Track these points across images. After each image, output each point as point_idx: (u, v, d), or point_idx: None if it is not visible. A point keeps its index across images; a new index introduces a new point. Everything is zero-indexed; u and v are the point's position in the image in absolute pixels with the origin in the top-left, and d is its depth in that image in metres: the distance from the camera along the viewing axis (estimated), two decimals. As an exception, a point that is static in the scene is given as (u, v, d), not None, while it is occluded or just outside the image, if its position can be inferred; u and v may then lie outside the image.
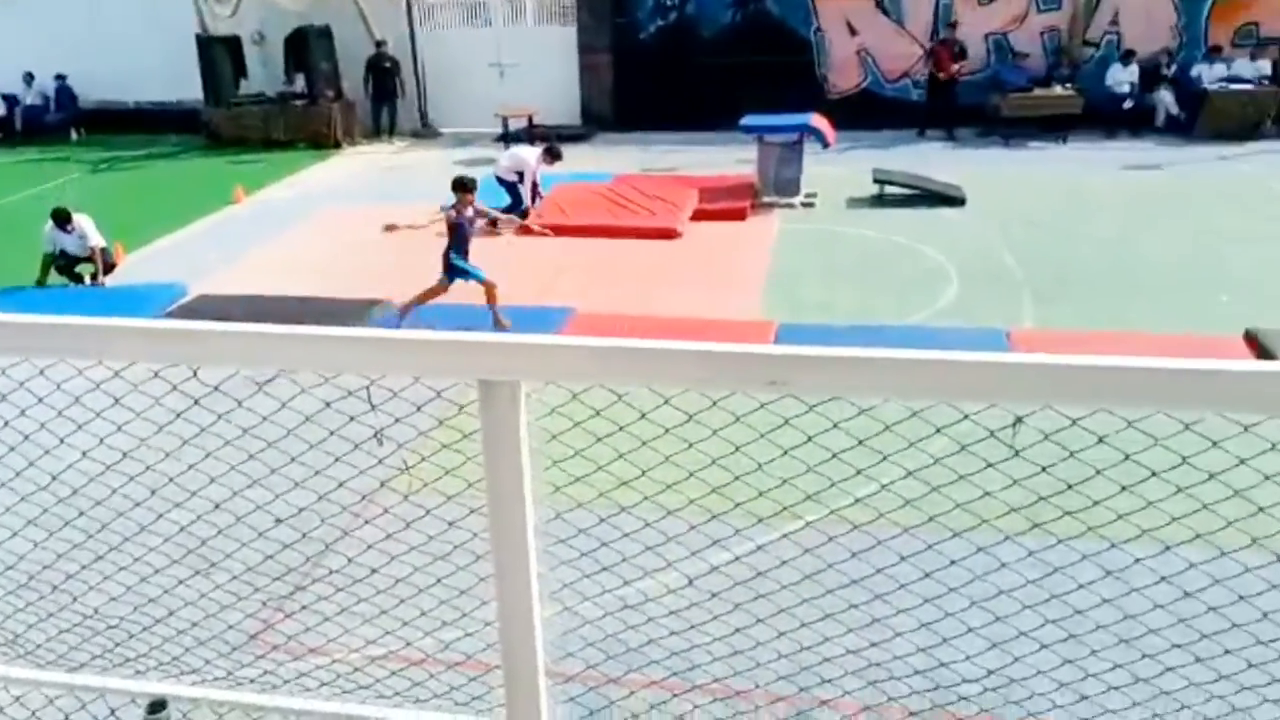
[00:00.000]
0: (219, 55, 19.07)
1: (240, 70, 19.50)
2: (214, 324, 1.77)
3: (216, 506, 2.71)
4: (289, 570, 3.05)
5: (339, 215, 13.97)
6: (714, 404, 1.85)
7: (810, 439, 2.03)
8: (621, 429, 1.96)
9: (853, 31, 18.05)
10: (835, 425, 1.95)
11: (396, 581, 2.43)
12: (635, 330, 8.76)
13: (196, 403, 2.15)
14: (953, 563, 2.19)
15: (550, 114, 18.39)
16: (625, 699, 3.02)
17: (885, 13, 17.85)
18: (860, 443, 1.92)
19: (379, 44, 18.90)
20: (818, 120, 14.00)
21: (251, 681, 2.85)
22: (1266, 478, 1.75)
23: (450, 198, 9.65)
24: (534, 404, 1.82)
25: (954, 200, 13.16)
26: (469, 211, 9.58)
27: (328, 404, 2.10)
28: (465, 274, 9.41)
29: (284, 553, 2.66)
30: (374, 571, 2.51)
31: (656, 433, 2.03)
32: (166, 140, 19.41)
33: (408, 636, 2.68)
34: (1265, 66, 16.41)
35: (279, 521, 2.57)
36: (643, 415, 1.92)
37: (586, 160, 16.77)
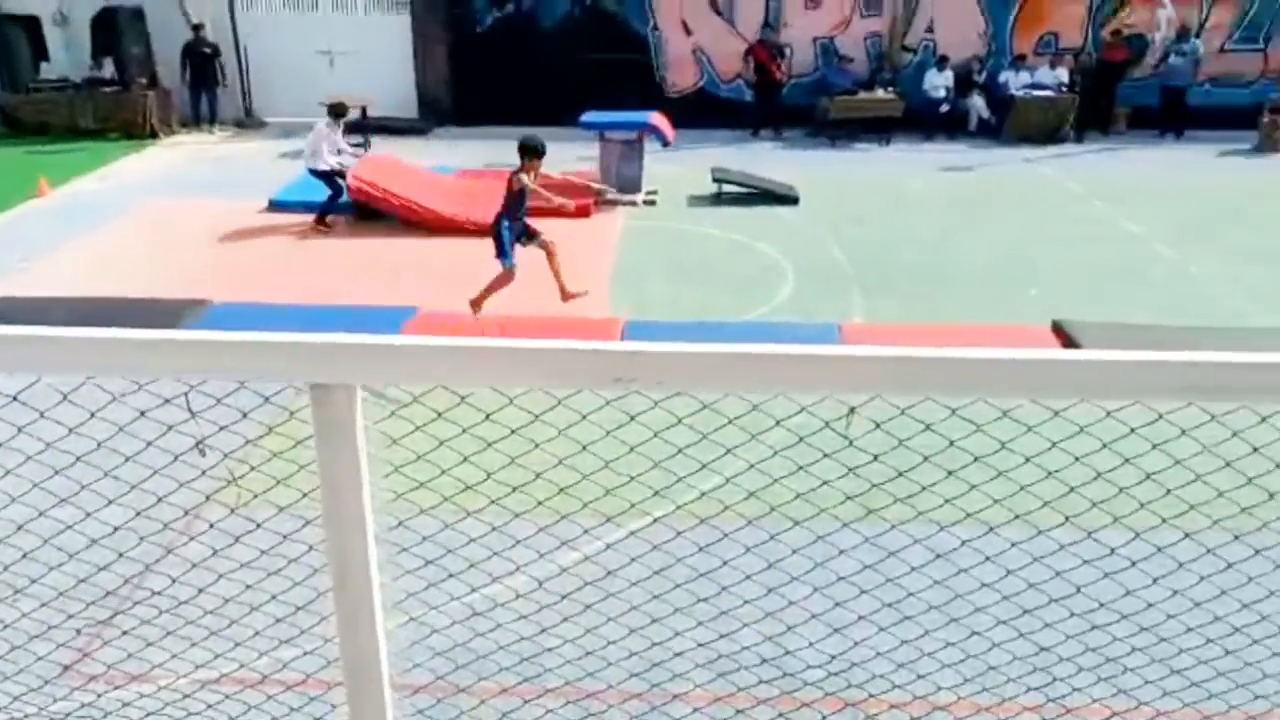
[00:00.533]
0: (14, 35, 17.53)
1: (40, 53, 17.99)
2: (10, 328, 1.61)
3: (19, 528, 2.48)
4: (106, 594, 2.83)
5: (159, 209, 13.11)
6: (559, 403, 1.83)
7: (656, 434, 2.05)
8: (465, 431, 1.92)
9: (688, 31, 18.39)
10: (680, 420, 1.96)
11: (226, 601, 2.29)
12: (480, 329, 8.64)
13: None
14: (794, 552, 2.25)
15: (385, 105, 17.85)
16: (476, 708, 2.96)
17: (718, 13, 18.26)
18: (704, 437, 1.94)
19: (196, 28, 17.82)
20: (657, 118, 14.18)
21: (68, 716, 2.62)
22: (1076, 459, 1.88)
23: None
24: (370, 407, 1.75)
25: (788, 199, 13.63)
26: (528, 180, 8.68)
27: (142, 413, 1.95)
28: (505, 250, 8.61)
29: (100, 575, 2.46)
30: (201, 591, 2.36)
31: (501, 434, 1.99)
32: (-48, 127, 17.70)
33: (241, 658, 2.53)
34: (1064, 75, 17.77)
35: (93, 542, 2.37)
36: (487, 416, 1.88)
37: (426, 154, 16.39)
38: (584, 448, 2.00)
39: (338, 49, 18.66)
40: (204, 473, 2.69)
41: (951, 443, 1.97)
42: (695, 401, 1.79)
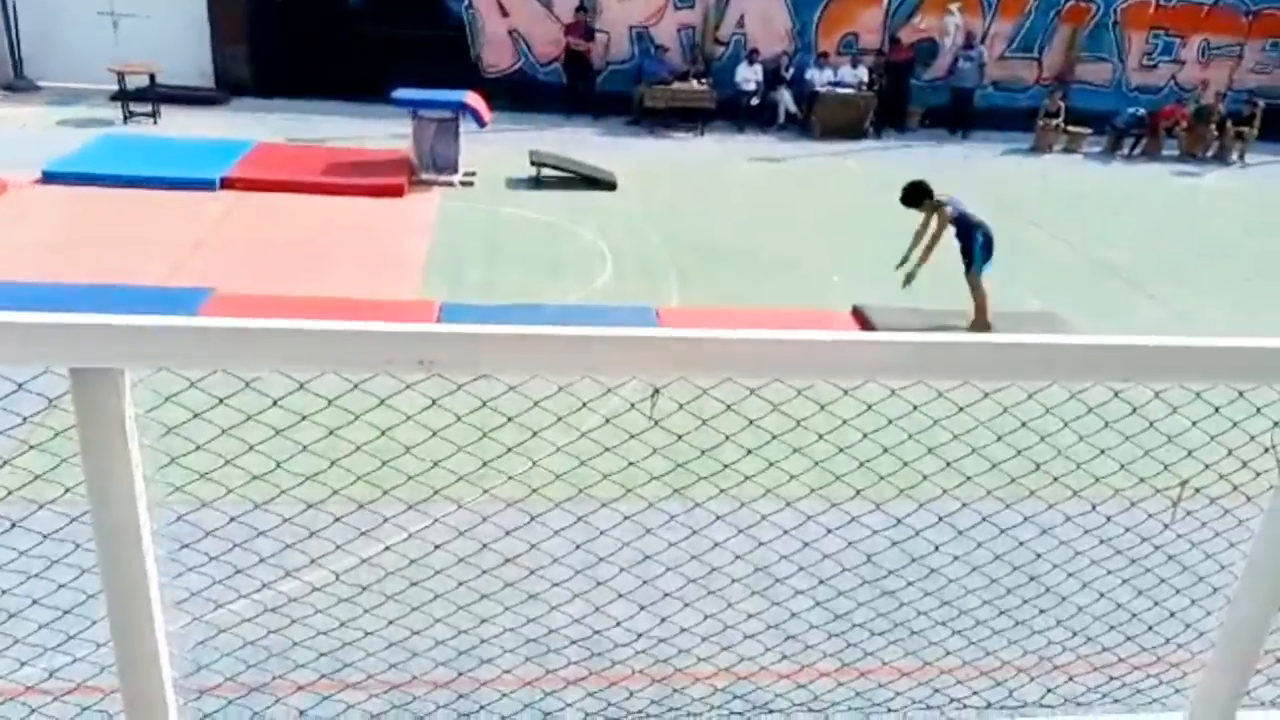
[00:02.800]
0: None
1: None
2: None
3: None
4: None
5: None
6: (355, 387, 1.74)
7: (460, 419, 1.99)
8: (250, 418, 1.80)
9: (504, 12, 18.13)
10: (485, 404, 1.92)
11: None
12: (283, 312, 8.17)
13: None
14: (602, 533, 2.25)
15: (177, 74, 16.63)
16: (271, 707, 2.81)
17: (534, -5, 18.13)
18: (509, 419, 1.91)
19: (-46, -21, 16.01)
20: (473, 98, 13.91)
21: None
22: (864, 435, 1.97)
23: None
24: (144, 393, 1.61)
25: (606, 184, 13.70)
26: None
27: None
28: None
29: None
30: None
31: (291, 420, 1.88)
32: None
33: (1, 669, 2.29)
34: (864, 74, 18.75)
35: None
36: (275, 403, 1.76)
37: (222, 126, 15.42)
38: (382, 433, 1.92)
39: (122, 10, 17.22)
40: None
41: (751, 421, 2.03)
42: (501, 384, 1.75)
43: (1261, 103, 19.23)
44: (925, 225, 9.03)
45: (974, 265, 8.95)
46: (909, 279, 8.91)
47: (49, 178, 11.87)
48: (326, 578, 2.44)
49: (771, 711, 3.18)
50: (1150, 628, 2.45)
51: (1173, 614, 2.27)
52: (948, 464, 2.12)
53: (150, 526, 1.70)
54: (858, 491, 2.26)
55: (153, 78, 15.64)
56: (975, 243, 8.97)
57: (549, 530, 2.17)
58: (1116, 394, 1.84)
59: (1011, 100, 19.74)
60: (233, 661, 2.46)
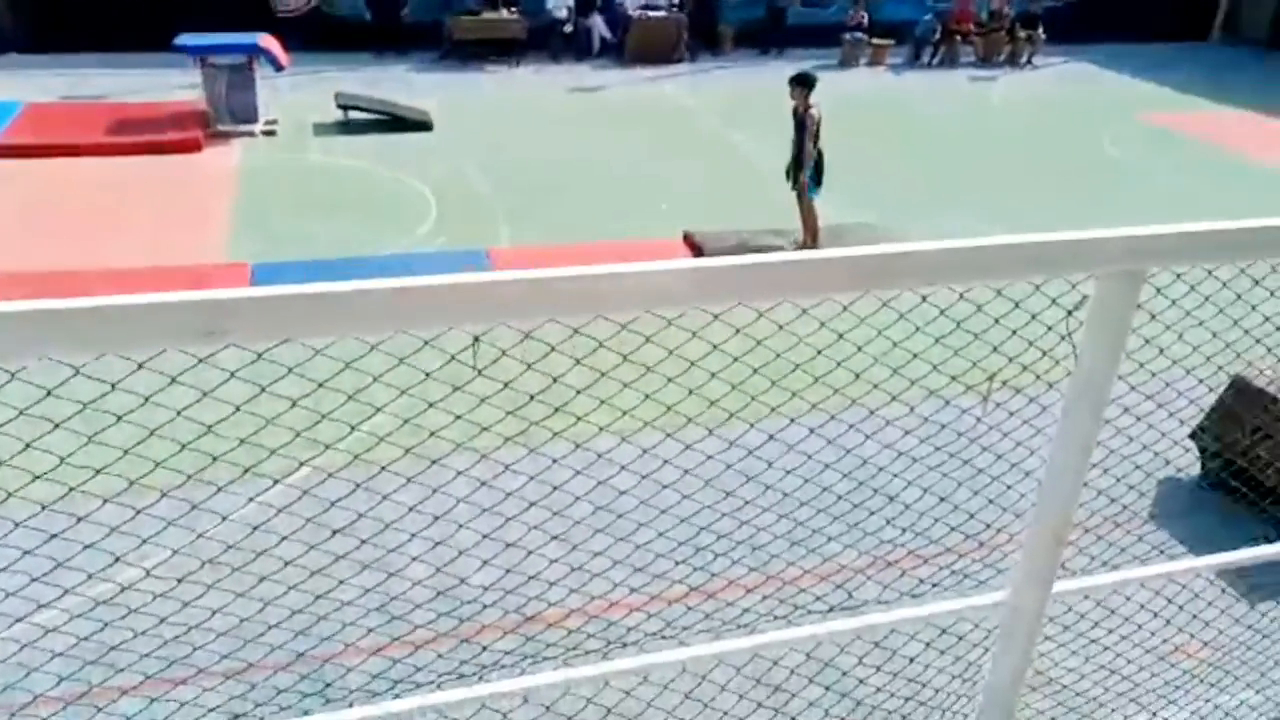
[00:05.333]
0: None
1: None
2: None
3: None
4: None
5: None
6: (140, 366, 1.58)
7: (264, 390, 1.85)
8: (21, 413, 1.61)
9: (295, -56, 16.99)
10: (290, 371, 1.79)
11: None
12: (70, 289, 7.55)
13: None
14: (459, 474, 2.18)
15: (-80, 30, 14.82)
16: (114, 703, 2.62)
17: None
18: (320, 385, 1.79)
19: None
20: (267, 41, 13.03)
21: None
22: (692, 364, 1.97)
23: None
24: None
25: (422, 125, 13.19)
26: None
27: None
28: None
29: None
30: None
31: (72, 409, 1.70)
32: None
33: None
34: (674, -4, 18.69)
35: None
36: (48, 393, 1.59)
37: (-17, 87, 13.89)
38: (178, 413, 1.77)
39: None
40: None
41: (578, 361, 1.99)
42: (304, 350, 1.63)
43: (1044, 7, 20.40)
44: (804, 120, 9.11)
45: (810, 188, 9.17)
46: (794, 182, 9.19)
47: None
48: (162, 558, 2.25)
49: (626, 645, 3.24)
50: (971, 516, 2.61)
51: (990, 501, 2.41)
52: (773, 383, 2.15)
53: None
54: (689, 420, 2.28)
55: (-111, 36, 13.87)
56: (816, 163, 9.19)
57: (400, 480, 2.07)
58: (924, 298, 1.91)
59: (816, 17, 20.16)
60: (64, 663, 2.27)
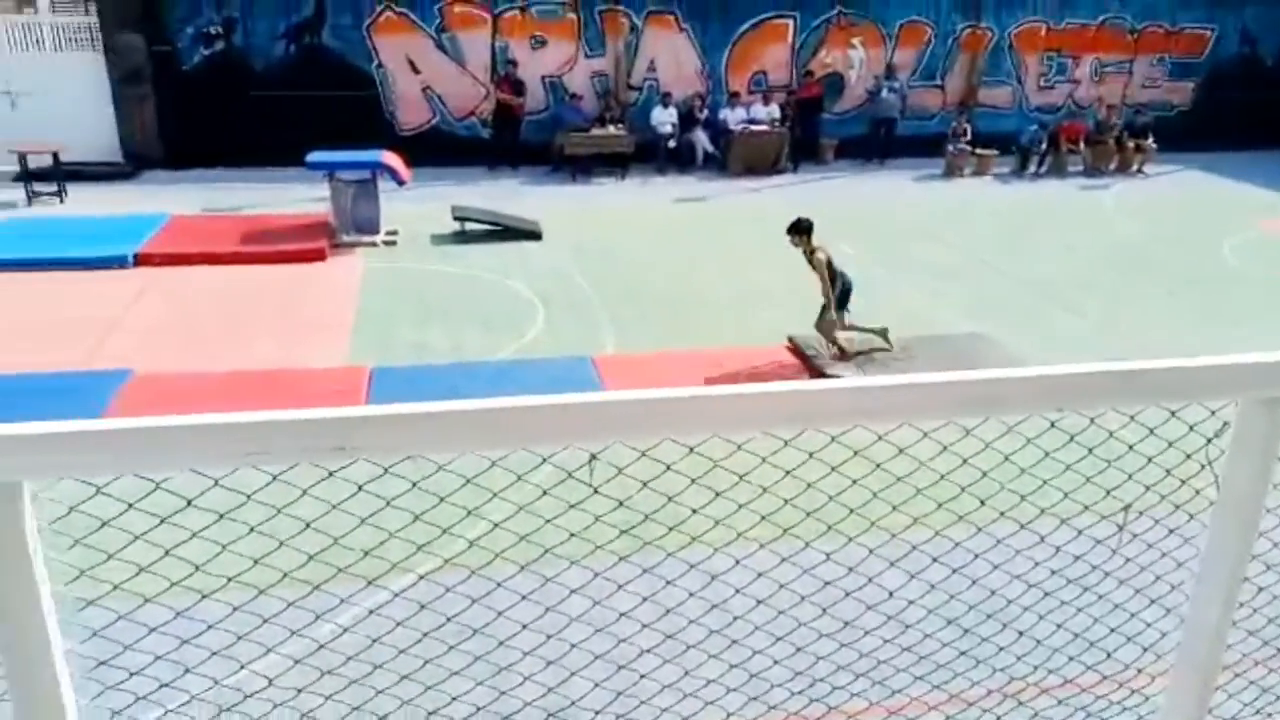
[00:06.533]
0: None
1: None
2: None
3: None
4: None
5: None
6: (274, 479, 1.65)
7: (389, 503, 1.90)
8: (164, 521, 1.68)
9: (415, 70, 18.12)
10: (415, 485, 1.83)
11: None
12: (207, 390, 7.96)
13: None
14: (572, 592, 2.17)
15: (82, 150, 16.23)
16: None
17: (444, 51, 18.16)
18: (442, 500, 1.82)
19: None
20: (389, 157, 13.82)
21: None
22: (809, 485, 1.94)
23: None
24: (45, 505, 1.50)
25: (532, 234, 13.67)
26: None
27: None
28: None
29: None
30: None
31: (210, 519, 1.77)
32: None
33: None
34: (775, 110, 19.14)
35: None
36: (189, 503, 1.66)
37: (133, 201, 15.05)
38: (308, 525, 1.82)
39: (20, 89, 16.78)
40: None
41: (693, 480, 1.97)
42: (430, 464, 1.67)
43: (1152, 115, 20.13)
44: (812, 263, 8.99)
45: (831, 309, 8.98)
46: (824, 329, 9.08)
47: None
48: (282, 664, 2.29)
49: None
50: (1109, 655, 2.45)
51: (1129, 639, 2.26)
52: (894, 507, 2.09)
53: (62, 646, 1.58)
54: (806, 544, 2.22)
55: (56, 156, 15.22)
56: (837, 291, 9.00)
57: (515, 595, 2.07)
58: (1053, 424, 1.84)
59: (919, 127, 20.33)
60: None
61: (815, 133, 19.58)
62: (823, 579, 2.13)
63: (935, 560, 2.11)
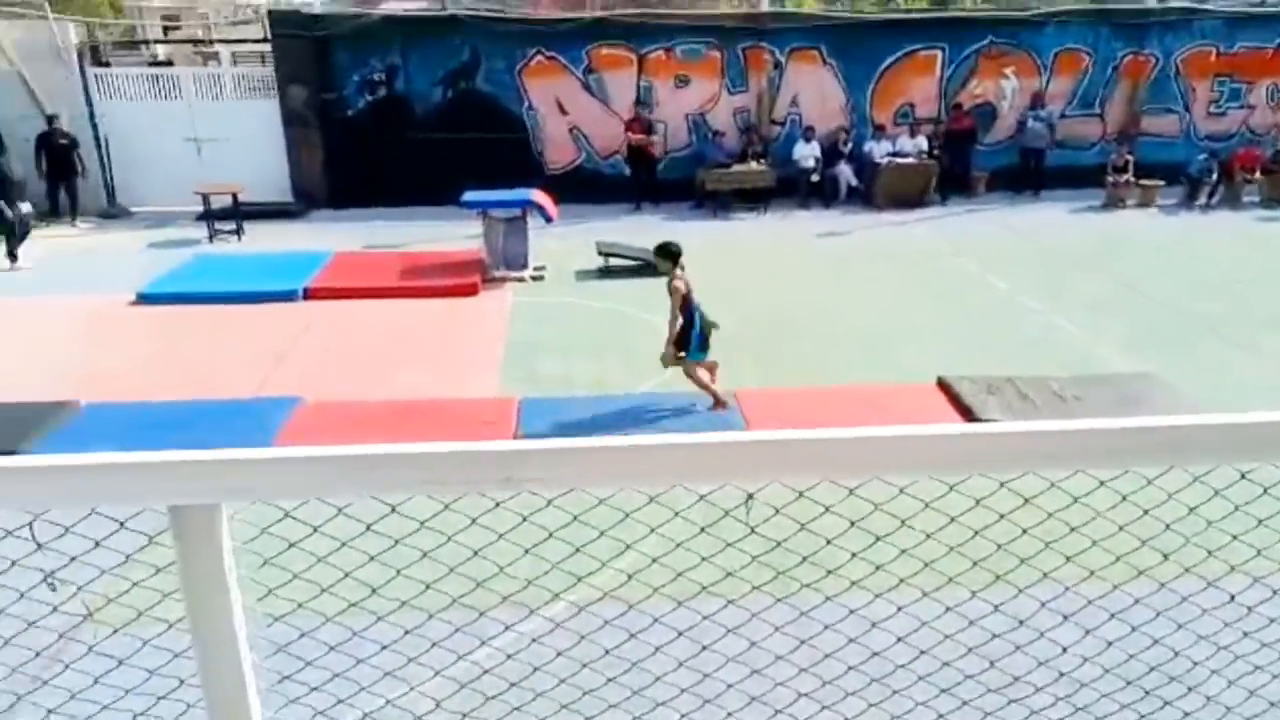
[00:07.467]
0: None
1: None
2: None
3: None
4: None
5: (15, 307, 12.38)
6: (446, 507, 1.72)
7: (551, 535, 1.95)
8: (345, 545, 1.78)
9: (563, 110, 18.68)
10: (576, 519, 1.88)
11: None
12: (370, 417, 8.36)
13: None
14: (728, 631, 2.16)
15: (258, 191, 17.47)
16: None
17: (590, 92, 18.66)
18: (602, 534, 1.86)
19: (50, 119, 17.12)
20: (539, 195, 14.26)
21: None
22: (975, 533, 1.87)
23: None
24: (239, 526, 1.62)
25: (673, 269, 13.79)
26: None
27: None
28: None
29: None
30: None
31: (385, 544, 1.86)
32: None
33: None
34: (922, 142, 18.75)
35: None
36: (368, 527, 1.75)
37: (303, 238, 16.06)
38: (475, 553, 1.89)
39: (205, 136, 18.24)
40: (55, 609, 2.45)
41: (853, 523, 1.94)
42: (590, 498, 1.71)
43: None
44: (670, 289, 8.31)
45: (689, 353, 8.36)
46: (663, 360, 8.42)
47: (142, 299, 12.45)
48: (447, 686, 2.38)
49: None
50: (1310, 727, 2.24)
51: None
52: (1068, 559, 1.99)
53: (251, 660, 1.69)
54: (973, 594, 2.14)
55: (235, 197, 16.41)
56: (694, 329, 8.36)
57: (671, 631, 2.08)
58: (1243, 475, 1.72)
59: (1075, 158, 19.49)
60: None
61: (967, 165, 19.07)
62: (990, 630, 2.04)
63: (1113, 616, 1.99)
